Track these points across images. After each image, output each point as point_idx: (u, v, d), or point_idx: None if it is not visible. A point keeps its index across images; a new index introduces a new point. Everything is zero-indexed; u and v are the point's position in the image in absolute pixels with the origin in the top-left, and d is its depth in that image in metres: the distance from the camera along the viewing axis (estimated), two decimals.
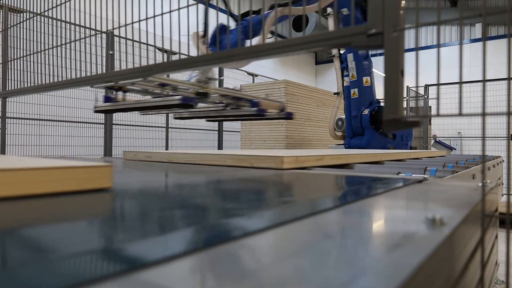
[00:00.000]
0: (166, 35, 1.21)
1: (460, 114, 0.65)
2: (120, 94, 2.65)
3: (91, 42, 1.46)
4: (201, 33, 3.08)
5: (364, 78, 4.17)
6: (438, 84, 0.75)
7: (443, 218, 0.54)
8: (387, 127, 0.72)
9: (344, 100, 4.46)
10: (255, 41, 2.94)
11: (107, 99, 2.67)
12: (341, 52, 4.43)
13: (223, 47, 3.03)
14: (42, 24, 1.71)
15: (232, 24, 3.11)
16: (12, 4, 1.90)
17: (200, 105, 2.99)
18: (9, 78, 1.98)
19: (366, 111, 4.11)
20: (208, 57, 1.00)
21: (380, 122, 4.06)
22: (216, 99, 2.91)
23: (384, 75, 0.71)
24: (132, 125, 5.84)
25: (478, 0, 11.70)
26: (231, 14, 3.04)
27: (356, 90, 4.22)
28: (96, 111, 2.79)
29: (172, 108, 2.70)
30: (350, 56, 4.21)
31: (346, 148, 4.36)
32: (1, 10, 3.82)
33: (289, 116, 3.54)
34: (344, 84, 4.38)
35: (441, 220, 0.53)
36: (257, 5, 10.47)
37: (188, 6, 1.09)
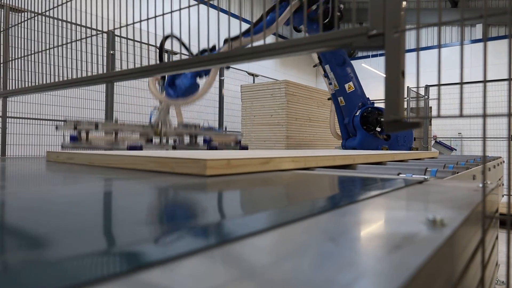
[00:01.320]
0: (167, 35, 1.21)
1: (461, 116, 0.66)
2: (83, 134, 2.85)
3: (92, 42, 1.46)
4: (158, 76, 3.41)
5: (347, 85, 4.17)
6: (439, 85, 0.75)
7: (444, 219, 0.54)
8: (388, 128, 0.72)
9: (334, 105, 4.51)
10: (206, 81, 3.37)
11: (72, 138, 2.88)
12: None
13: (179, 90, 3.46)
14: (43, 23, 1.71)
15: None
16: (14, 4, 1.90)
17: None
18: (10, 77, 1.98)
19: (357, 112, 4.14)
20: (210, 58, 1.00)
21: (371, 123, 4.08)
22: (171, 135, 3.27)
23: (384, 75, 0.71)
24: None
25: (479, 0, 11.69)
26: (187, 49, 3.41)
27: (341, 98, 4.24)
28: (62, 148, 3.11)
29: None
30: (327, 68, 4.21)
31: (343, 149, 4.41)
32: (1, 10, 3.82)
33: (244, 148, 3.76)
34: (331, 92, 4.40)
35: (442, 221, 0.54)
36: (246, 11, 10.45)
37: (189, 6, 1.10)
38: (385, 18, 0.72)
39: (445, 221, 0.55)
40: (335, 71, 4.16)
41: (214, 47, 3.53)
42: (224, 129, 4.63)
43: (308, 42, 0.81)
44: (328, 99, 4.70)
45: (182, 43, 3.68)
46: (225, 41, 3.48)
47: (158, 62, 3.45)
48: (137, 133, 3.06)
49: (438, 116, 0.67)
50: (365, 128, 4.09)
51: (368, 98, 4.27)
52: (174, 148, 3.40)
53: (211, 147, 3.32)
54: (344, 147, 4.41)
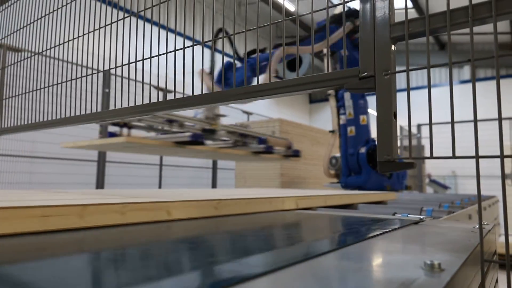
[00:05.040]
0: (162, 73, 1.23)
1: (454, 157, 0.65)
2: (124, 131, 2.52)
3: (87, 80, 1.47)
4: (207, 69, 3.20)
5: (361, 117, 4.21)
6: (430, 124, 0.75)
7: (442, 263, 0.53)
8: (381, 168, 0.72)
9: (339, 138, 4.45)
10: (261, 78, 3.05)
11: (110, 135, 2.51)
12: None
13: (230, 85, 3.15)
14: (39, 62, 1.73)
15: (238, 63, 3.27)
16: (11, 44, 1.93)
17: (208, 142, 2.91)
18: (3, 116, 1.98)
19: (363, 149, 4.12)
20: (202, 97, 1.01)
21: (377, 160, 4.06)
22: (222, 135, 2.89)
23: (376, 115, 0.72)
24: (125, 163, 5.81)
25: (466, 44, 12.14)
26: (237, 53, 3.16)
27: (353, 128, 4.23)
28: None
29: (182, 146, 2.54)
30: (347, 95, 4.24)
31: (343, 186, 4.28)
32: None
33: (296, 154, 3.48)
34: (341, 122, 4.37)
35: (440, 266, 0.52)
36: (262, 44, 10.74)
37: (184, 48, 1.12)
38: (375, 61, 0.74)
39: (444, 265, 0.53)
40: (356, 100, 4.19)
41: (265, 48, 3.33)
42: (272, 133, 4.37)
43: (301, 83, 0.82)
44: (330, 131, 4.62)
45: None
46: (277, 45, 3.26)
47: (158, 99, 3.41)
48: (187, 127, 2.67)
49: (431, 157, 0.67)
50: (371, 166, 4.05)
51: (373, 138, 4.29)
52: (235, 144, 2.94)
53: (268, 148, 3.00)
54: (345, 184, 4.27)
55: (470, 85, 11.53)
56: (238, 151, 3.00)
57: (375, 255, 0.65)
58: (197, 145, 2.55)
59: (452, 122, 0.63)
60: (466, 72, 12.31)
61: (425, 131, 8.96)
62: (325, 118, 13.54)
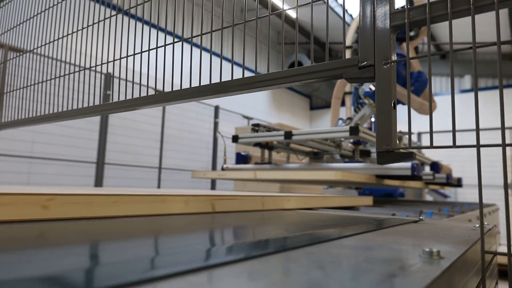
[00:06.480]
0: (159, 76, 1.22)
1: (454, 146, 0.64)
2: (262, 153, 1.93)
3: (85, 80, 1.47)
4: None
5: None
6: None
7: (441, 251, 0.51)
8: (380, 159, 0.70)
9: None
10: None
11: (240, 158, 1.95)
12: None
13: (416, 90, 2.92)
14: (40, 63, 1.73)
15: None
16: (11, 43, 1.94)
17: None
18: (2, 114, 1.97)
19: None
20: (202, 89, 1.00)
21: None
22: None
23: (375, 105, 0.71)
24: (124, 165, 5.79)
25: (467, 54, 12.19)
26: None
27: None
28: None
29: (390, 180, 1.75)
30: None
31: (366, 194, 3.85)
32: (1, 49, 3.90)
33: (459, 184, 3.03)
34: (366, 125, 4.15)
35: (439, 253, 0.50)
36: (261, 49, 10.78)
37: (182, 40, 1.11)
38: (375, 50, 0.73)
39: (442, 254, 0.51)
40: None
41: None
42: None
43: (300, 73, 0.81)
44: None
45: None
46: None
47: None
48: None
49: (431, 146, 0.65)
50: None
51: None
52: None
53: (449, 179, 2.34)
54: (370, 192, 3.92)
55: (470, 95, 11.52)
56: (413, 183, 2.34)
57: (373, 244, 0.64)
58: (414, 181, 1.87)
59: (453, 108, 0.62)
60: (467, 82, 12.34)
61: (425, 139, 8.95)
62: (325, 124, 13.55)
